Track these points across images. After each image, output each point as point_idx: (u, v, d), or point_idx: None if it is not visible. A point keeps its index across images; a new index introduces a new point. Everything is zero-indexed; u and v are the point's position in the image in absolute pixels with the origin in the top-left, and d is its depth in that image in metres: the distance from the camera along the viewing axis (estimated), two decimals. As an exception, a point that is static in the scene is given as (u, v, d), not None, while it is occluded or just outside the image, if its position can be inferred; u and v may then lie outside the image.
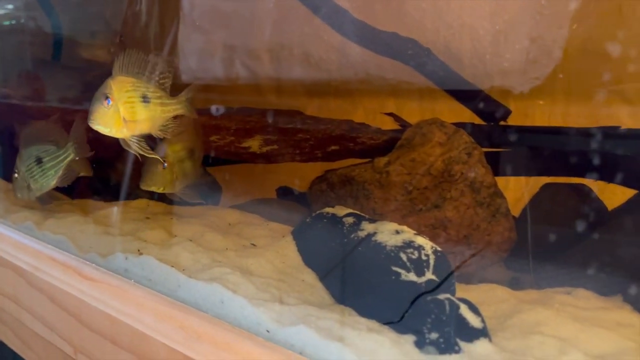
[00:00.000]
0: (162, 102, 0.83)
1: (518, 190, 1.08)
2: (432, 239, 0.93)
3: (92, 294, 0.82)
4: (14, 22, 1.46)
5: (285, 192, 1.21)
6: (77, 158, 1.04)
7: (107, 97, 0.78)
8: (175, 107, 0.84)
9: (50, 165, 1.06)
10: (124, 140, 0.81)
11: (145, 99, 0.81)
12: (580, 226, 0.95)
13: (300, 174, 1.21)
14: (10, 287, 0.94)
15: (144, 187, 0.90)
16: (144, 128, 0.82)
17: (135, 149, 0.82)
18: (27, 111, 1.24)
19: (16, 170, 1.06)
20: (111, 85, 0.79)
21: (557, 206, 0.99)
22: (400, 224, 0.93)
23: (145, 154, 0.82)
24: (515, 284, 0.91)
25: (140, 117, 0.81)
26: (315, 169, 1.12)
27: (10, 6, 1.46)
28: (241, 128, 1.02)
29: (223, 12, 1.54)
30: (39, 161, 1.06)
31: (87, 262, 0.88)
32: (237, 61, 1.50)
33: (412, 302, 0.67)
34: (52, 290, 0.87)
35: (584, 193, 0.99)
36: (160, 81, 0.84)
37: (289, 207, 1.13)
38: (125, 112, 0.79)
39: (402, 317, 0.66)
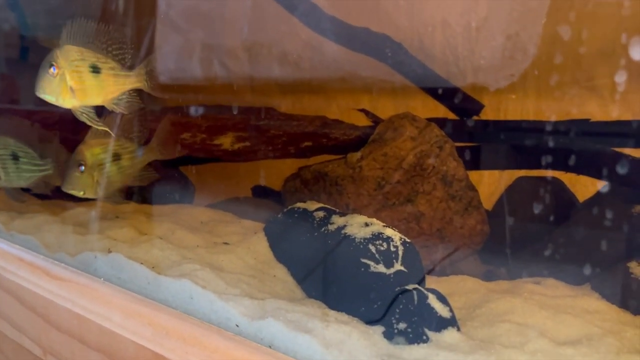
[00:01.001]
0: (115, 74, 0.80)
1: (492, 184, 1.09)
2: (406, 233, 0.93)
3: (60, 293, 0.81)
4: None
5: (260, 191, 1.21)
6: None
7: (52, 66, 0.76)
8: (131, 80, 0.82)
9: (26, 168, 1.03)
10: (74, 110, 0.79)
11: (95, 69, 0.79)
12: (552, 218, 0.96)
13: (277, 172, 1.20)
14: (-22, 289, 0.92)
15: (64, 189, 0.86)
16: (94, 99, 0.79)
17: (83, 119, 0.79)
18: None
19: None
20: (57, 54, 0.77)
21: (529, 199, 0.99)
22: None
23: (94, 125, 0.80)
24: (488, 276, 0.92)
25: (89, 87, 0.78)
26: (293, 167, 1.12)
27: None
28: (213, 125, 1.02)
29: (200, 12, 1.53)
30: (14, 157, 1.03)
31: (56, 262, 0.86)
32: (214, 60, 1.49)
33: (381, 294, 0.67)
34: (21, 291, 0.86)
35: (556, 186, 1.00)
36: (114, 52, 0.82)
37: (264, 205, 1.12)
38: (72, 81, 0.76)
39: (371, 309, 0.66)
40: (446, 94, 1.09)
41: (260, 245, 0.85)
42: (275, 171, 1.22)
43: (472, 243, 0.94)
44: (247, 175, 1.25)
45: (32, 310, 0.84)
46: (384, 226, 0.74)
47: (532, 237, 0.93)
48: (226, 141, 1.03)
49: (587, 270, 0.81)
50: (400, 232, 0.79)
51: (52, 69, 0.77)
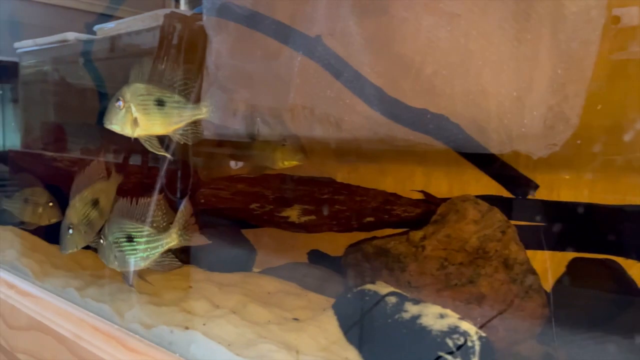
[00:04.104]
0: (179, 107, 0.88)
1: (545, 261, 1.11)
2: (467, 313, 0.95)
3: (137, 366, 0.84)
4: (61, 87, 1.51)
5: (316, 256, 1.24)
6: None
7: (118, 100, 0.85)
8: (195, 112, 0.89)
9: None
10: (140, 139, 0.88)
11: (160, 103, 0.87)
12: (612, 302, 0.98)
13: (330, 237, 1.23)
14: (51, 354, 0.95)
15: (62, 252, 0.92)
16: (158, 129, 0.88)
17: (147, 146, 0.88)
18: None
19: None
20: (125, 90, 0.86)
21: (587, 281, 1.01)
22: (435, 298, 0.96)
23: (155, 152, 0.88)
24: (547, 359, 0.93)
25: (153, 118, 0.87)
26: (346, 234, 1.15)
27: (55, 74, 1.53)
28: (279, 197, 1.06)
29: (247, 73, 1.59)
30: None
31: (131, 334, 0.89)
32: (259, 120, 1.54)
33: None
34: (96, 360, 0.89)
35: (613, 269, 1.02)
36: (180, 88, 0.89)
37: (323, 274, 1.15)
38: (137, 113, 0.85)
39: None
40: (501, 173, 1.12)
41: (330, 324, 0.87)
42: (328, 235, 1.25)
43: (532, 326, 0.96)
44: (302, 238, 1.28)
45: (108, 381, 0.86)
46: (459, 319, 0.76)
47: (591, 321, 0.95)
48: (293, 214, 1.06)
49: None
50: (461, 312, 0.82)
51: (118, 103, 0.86)
